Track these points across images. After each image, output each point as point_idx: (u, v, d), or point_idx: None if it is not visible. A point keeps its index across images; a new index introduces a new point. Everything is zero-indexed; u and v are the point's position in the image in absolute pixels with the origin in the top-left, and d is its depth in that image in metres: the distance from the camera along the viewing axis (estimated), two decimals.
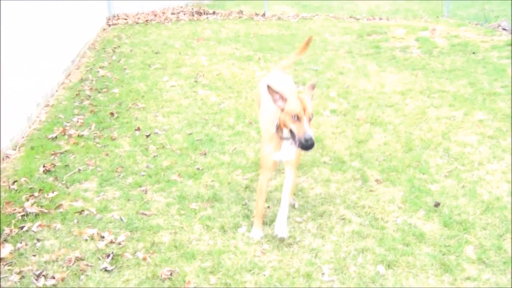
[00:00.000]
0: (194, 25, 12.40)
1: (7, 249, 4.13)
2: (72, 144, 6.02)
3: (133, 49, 10.17)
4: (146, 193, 5.07)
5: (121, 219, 4.62)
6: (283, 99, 3.98)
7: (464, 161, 5.63)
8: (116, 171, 5.45)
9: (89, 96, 7.59)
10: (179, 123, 6.67)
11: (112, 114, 6.86)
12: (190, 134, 6.30)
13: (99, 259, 4.10)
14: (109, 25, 12.63)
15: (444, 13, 13.27)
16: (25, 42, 7.25)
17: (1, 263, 4.00)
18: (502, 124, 6.47)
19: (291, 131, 3.96)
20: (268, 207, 4.80)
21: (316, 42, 10.50)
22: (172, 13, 13.92)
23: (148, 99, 7.43)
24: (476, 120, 6.63)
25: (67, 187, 5.15)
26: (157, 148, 5.99)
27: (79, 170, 5.47)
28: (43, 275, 3.89)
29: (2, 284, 3.80)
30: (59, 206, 4.77)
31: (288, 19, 13.21)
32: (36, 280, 3.84)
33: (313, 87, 4.20)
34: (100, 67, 9.01)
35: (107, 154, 5.82)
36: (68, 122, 6.63)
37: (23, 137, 6.22)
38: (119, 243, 4.29)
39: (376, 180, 5.27)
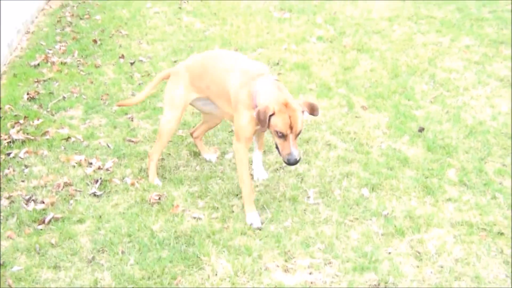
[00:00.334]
0: None
1: None
2: (56, 72, 5.92)
3: None
4: (132, 120, 5.06)
5: (108, 146, 4.63)
6: (267, 114, 3.40)
7: (449, 87, 5.66)
8: (101, 99, 5.40)
9: (71, 23, 7.39)
10: (163, 51, 6.56)
11: (95, 41, 6.72)
12: (175, 61, 6.21)
13: (88, 184, 4.15)
14: None
15: None
16: None
17: None
18: (489, 50, 6.46)
19: (276, 146, 3.55)
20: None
21: None
22: None
23: (131, 26, 7.27)
24: (463, 45, 6.60)
25: (52, 115, 5.12)
26: (142, 76, 5.93)
27: (64, 97, 5.41)
28: (33, 200, 3.94)
29: None
30: (45, 133, 4.75)
31: None
32: (26, 204, 3.89)
33: (313, 108, 3.59)
34: None
35: (92, 82, 5.75)
36: (50, 49, 6.49)
37: (4, 64, 6.10)
38: (107, 169, 4.33)
39: (362, 107, 5.30)
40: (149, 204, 3.93)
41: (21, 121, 4.90)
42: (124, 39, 6.86)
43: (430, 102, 5.39)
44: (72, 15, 7.69)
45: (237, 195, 4.02)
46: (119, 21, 7.45)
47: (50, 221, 3.74)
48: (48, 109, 5.19)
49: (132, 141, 4.71)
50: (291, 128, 3.41)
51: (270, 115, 3.41)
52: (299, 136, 3.57)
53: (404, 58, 6.34)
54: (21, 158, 4.42)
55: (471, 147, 4.64)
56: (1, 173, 4.20)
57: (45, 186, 4.10)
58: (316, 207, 3.93)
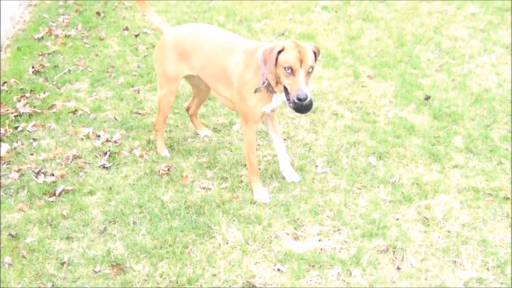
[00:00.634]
0: None
1: (4, 148, 4.18)
2: (60, 45, 5.90)
3: None
4: (138, 92, 5.07)
5: (116, 119, 4.65)
6: (275, 50, 3.25)
7: (455, 55, 5.64)
8: (107, 71, 5.40)
9: None
10: (168, 22, 6.50)
11: (98, 13, 6.68)
12: None
13: (97, 157, 4.18)
14: None
15: None
16: None
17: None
18: (494, 17, 6.41)
19: (285, 89, 3.31)
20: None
21: None
22: None
23: None
24: (468, 13, 6.55)
25: (58, 88, 5.12)
26: (147, 48, 5.91)
27: (69, 70, 5.41)
28: (43, 173, 3.98)
29: (3, 181, 3.88)
30: (52, 106, 4.77)
31: None
32: (36, 177, 3.92)
33: (318, 51, 3.40)
34: None
35: (97, 54, 5.74)
36: (54, 22, 6.46)
37: (8, 38, 6.08)
38: (115, 142, 4.35)
39: (368, 76, 5.29)
40: (159, 175, 3.96)
41: (27, 94, 4.91)
42: (127, 11, 6.82)
43: (436, 70, 5.38)
44: None
45: (245, 165, 4.05)
46: None
47: (60, 193, 3.78)
48: (54, 82, 5.19)
49: (139, 113, 4.72)
50: (300, 62, 3.21)
51: (279, 52, 3.24)
52: (311, 76, 3.34)
53: (409, 27, 6.30)
54: (29, 131, 4.44)
55: (477, 114, 4.65)
56: (9, 146, 4.23)
57: (54, 159, 4.13)
58: (324, 175, 3.97)
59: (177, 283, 3.09)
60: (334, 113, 4.72)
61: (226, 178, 3.95)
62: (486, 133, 4.38)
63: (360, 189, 3.82)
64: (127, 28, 6.30)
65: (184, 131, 4.53)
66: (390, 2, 6.95)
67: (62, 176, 3.95)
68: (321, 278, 3.12)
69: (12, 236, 3.40)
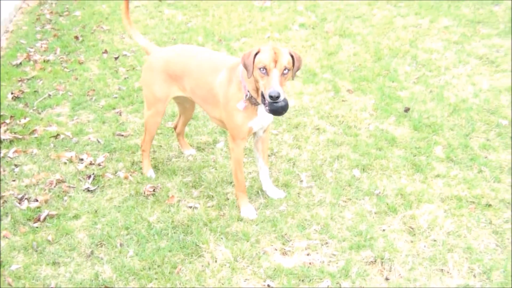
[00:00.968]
0: None
1: None
2: (39, 70, 5.89)
3: None
4: (120, 114, 5.06)
5: (98, 141, 4.64)
6: (253, 53, 3.28)
7: (431, 67, 5.75)
8: (87, 95, 5.39)
9: (50, 20, 7.35)
10: None
11: (76, 37, 6.69)
12: None
13: (80, 180, 4.15)
14: None
15: None
16: None
17: None
18: (467, 30, 6.57)
19: (262, 94, 3.29)
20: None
21: None
22: None
23: (112, 21, 7.24)
24: (442, 26, 6.70)
25: (39, 113, 5.10)
26: (127, 70, 5.92)
27: (49, 95, 5.39)
28: (26, 198, 3.94)
29: None
30: (33, 131, 4.74)
31: None
32: (19, 203, 3.88)
33: (299, 59, 3.40)
34: None
35: (77, 78, 5.73)
36: (32, 48, 6.46)
37: None
38: (99, 164, 4.34)
39: (348, 90, 5.37)
40: (144, 196, 3.95)
41: (7, 120, 4.88)
42: (106, 34, 6.84)
43: (414, 82, 5.48)
44: (51, 12, 7.64)
45: (230, 182, 4.07)
46: (100, 16, 7.42)
47: (45, 218, 3.74)
48: (34, 108, 5.17)
49: (122, 135, 4.72)
50: (275, 62, 3.20)
51: (256, 54, 3.26)
52: (287, 79, 3.31)
53: (385, 41, 6.42)
54: (10, 157, 4.40)
55: (456, 124, 4.74)
56: None
57: (37, 184, 4.10)
58: (309, 190, 3.99)
59: None
60: (316, 128, 4.77)
61: (212, 196, 3.96)
62: (466, 142, 4.46)
63: (345, 202, 3.86)
64: (106, 51, 6.31)
65: (168, 151, 4.53)
66: (365, 18, 7.08)
67: (46, 201, 3.91)
68: None
69: None
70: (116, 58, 6.16)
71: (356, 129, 4.73)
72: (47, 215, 3.76)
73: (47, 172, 4.23)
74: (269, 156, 4.39)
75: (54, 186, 4.08)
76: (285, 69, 3.24)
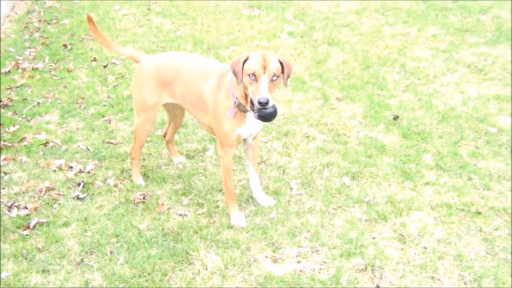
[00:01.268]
0: None
1: None
2: (28, 78, 5.86)
3: None
4: (110, 122, 5.05)
5: (88, 149, 4.62)
6: (242, 59, 3.28)
7: (419, 75, 5.80)
8: (76, 103, 5.37)
9: (39, 28, 7.32)
10: None
11: (65, 45, 6.67)
12: None
13: (70, 188, 4.13)
14: None
15: None
16: None
17: None
18: (455, 38, 6.64)
19: (251, 101, 3.29)
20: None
21: None
22: None
23: (101, 29, 7.22)
24: (430, 35, 6.77)
25: (28, 121, 5.07)
26: (116, 78, 5.91)
27: (38, 103, 5.37)
28: (15, 206, 3.91)
29: None
30: (23, 139, 4.71)
31: None
32: (9, 211, 3.85)
33: (288, 66, 3.38)
34: None
35: (66, 86, 5.71)
36: (20, 56, 6.42)
37: None
38: (89, 172, 4.32)
39: (337, 98, 5.40)
40: (134, 204, 3.94)
41: None
42: (94, 43, 6.83)
43: (402, 90, 5.53)
44: (40, 20, 7.62)
45: (220, 190, 4.06)
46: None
47: (35, 226, 3.72)
48: (23, 115, 5.14)
49: (112, 143, 4.70)
50: (264, 68, 3.20)
51: (245, 60, 3.26)
52: (276, 85, 3.31)
53: (374, 49, 6.47)
54: None
55: (445, 132, 4.78)
56: None
57: (27, 192, 4.07)
58: (299, 197, 4.00)
59: None
60: (305, 135, 4.79)
61: (202, 204, 3.95)
62: (455, 150, 4.50)
63: (335, 209, 3.87)
64: (95, 59, 6.30)
65: (157, 158, 4.52)
66: (354, 26, 7.14)
67: (35, 209, 3.88)
68: None
69: None
70: (105, 66, 6.15)
71: (346, 137, 4.75)
72: (37, 222, 3.73)
73: (36, 179, 4.20)
74: (259, 163, 4.40)
75: (44, 194, 4.05)
76: (274, 76, 3.24)
